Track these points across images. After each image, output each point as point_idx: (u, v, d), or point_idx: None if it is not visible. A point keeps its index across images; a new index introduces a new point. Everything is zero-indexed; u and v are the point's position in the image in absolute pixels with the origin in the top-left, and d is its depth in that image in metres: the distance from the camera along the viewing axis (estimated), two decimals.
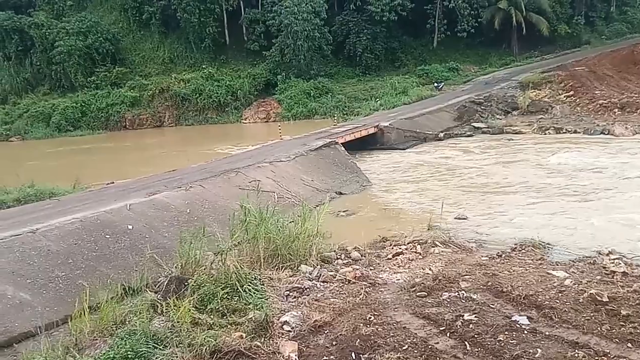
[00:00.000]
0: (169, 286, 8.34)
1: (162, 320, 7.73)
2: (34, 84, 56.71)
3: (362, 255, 10.71)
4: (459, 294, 8.18)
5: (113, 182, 18.34)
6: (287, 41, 49.07)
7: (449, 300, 8.02)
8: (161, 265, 9.31)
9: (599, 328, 6.85)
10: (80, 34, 53.57)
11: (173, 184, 15.56)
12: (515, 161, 21.40)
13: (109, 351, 6.91)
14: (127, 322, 7.83)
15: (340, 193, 18.28)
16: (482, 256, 10.36)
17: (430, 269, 9.51)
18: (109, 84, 52.55)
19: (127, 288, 9.37)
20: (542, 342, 6.61)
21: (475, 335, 6.83)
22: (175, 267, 8.89)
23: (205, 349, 6.81)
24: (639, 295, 7.72)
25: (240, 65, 53.70)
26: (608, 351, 6.30)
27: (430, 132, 28.38)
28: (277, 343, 7.05)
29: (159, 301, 8.14)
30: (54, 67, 54.04)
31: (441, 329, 7.12)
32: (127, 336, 7.12)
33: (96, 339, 7.72)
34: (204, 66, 52.85)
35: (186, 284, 8.28)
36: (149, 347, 6.88)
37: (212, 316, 7.65)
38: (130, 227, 12.05)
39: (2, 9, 57.52)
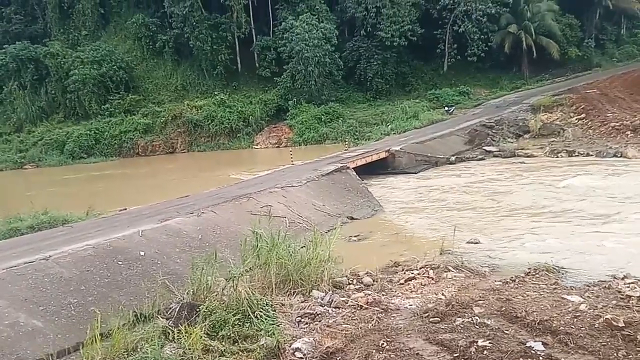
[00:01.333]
0: (180, 312, 8.32)
1: (174, 347, 7.70)
2: (48, 112, 57.52)
3: (374, 281, 10.65)
4: (472, 320, 8.09)
5: (126, 209, 18.44)
6: (298, 67, 49.52)
7: (462, 325, 7.93)
8: (173, 292, 9.31)
9: (615, 354, 6.74)
10: (95, 63, 54.44)
11: (185, 210, 15.61)
12: (527, 184, 21.28)
13: None
14: (138, 349, 7.80)
15: (352, 218, 18.24)
16: (495, 281, 10.26)
17: (443, 294, 9.42)
18: (122, 112, 53.20)
19: (138, 314, 9.35)
20: None
21: None
22: (187, 293, 8.89)
23: None
24: None
25: (252, 92, 54.17)
26: None
27: (442, 156, 28.35)
28: None
29: (171, 328, 8.11)
30: (69, 95, 54.85)
31: (455, 355, 7.04)
32: None
33: None
34: (216, 93, 53.38)
35: (198, 310, 8.26)
36: None
37: (223, 343, 7.62)
38: (142, 253, 12.08)
39: (18, 38, 58.72)
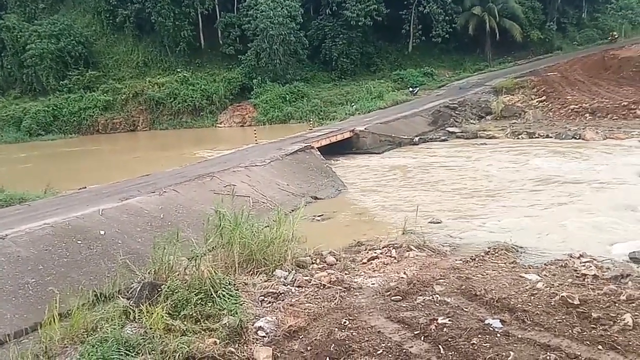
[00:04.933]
0: (141, 292, 8.24)
1: (135, 327, 7.64)
2: (4, 88, 55.79)
3: (337, 260, 10.72)
4: (433, 298, 8.23)
5: (85, 187, 18.11)
6: (262, 45, 48.99)
7: (423, 304, 8.06)
8: (134, 271, 9.21)
9: (570, 331, 6.95)
10: (53, 37, 52.83)
11: (147, 189, 15.43)
12: (489, 165, 21.62)
13: (79, 359, 6.81)
14: (98, 329, 7.72)
15: (316, 197, 18.29)
16: (456, 260, 10.44)
17: (405, 273, 9.54)
18: (81, 88, 51.85)
19: (99, 294, 9.24)
20: (515, 345, 6.68)
21: (449, 339, 6.87)
22: (149, 272, 8.80)
23: (179, 355, 6.75)
24: (609, 298, 7.84)
25: (216, 69, 53.43)
26: (579, 354, 6.39)
27: (406, 137, 28.54)
28: (251, 349, 7.02)
29: (132, 307, 8.04)
30: (26, 70, 53.20)
31: (415, 332, 7.15)
32: (98, 343, 7.02)
33: (67, 347, 7.60)
34: (178, 70, 52.49)
35: (159, 290, 8.19)
36: (121, 355, 6.79)
37: (185, 322, 7.59)
38: (102, 232, 11.92)
39: None
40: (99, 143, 44.12)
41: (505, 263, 10.09)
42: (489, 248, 11.16)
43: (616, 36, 54.48)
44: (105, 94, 50.90)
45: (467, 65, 53.38)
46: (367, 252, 11.25)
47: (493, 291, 8.29)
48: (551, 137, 26.41)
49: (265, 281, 9.40)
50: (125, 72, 55.05)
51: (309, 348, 6.99)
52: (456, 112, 32.79)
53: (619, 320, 7.07)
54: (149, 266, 9.06)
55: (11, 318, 8.81)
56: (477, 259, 10.39)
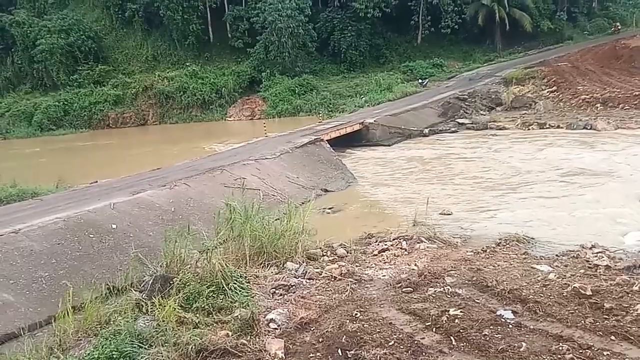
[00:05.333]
0: (154, 285, 8.29)
1: (147, 320, 7.69)
2: (15, 83, 55.97)
3: (347, 252, 10.73)
4: (444, 289, 8.22)
5: (97, 181, 18.19)
6: (271, 38, 48.90)
7: (434, 295, 8.05)
8: (146, 264, 9.26)
9: (582, 321, 6.92)
10: (62, 32, 52.96)
11: (157, 183, 15.49)
12: (499, 157, 21.52)
13: (93, 351, 6.86)
14: (111, 322, 7.79)
15: (326, 190, 18.29)
16: (467, 251, 10.42)
17: (415, 265, 9.54)
18: (91, 83, 51.97)
19: (111, 288, 9.32)
20: (527, 335, 6.66)
21: (461, 330, 6.87)
22: (160, 266, 8.85)
23: (191, 347, 6.78)
24: (621, 289, 7.80)
25: (225, 63, 53.42)
26: (592, 344, 6.36)
27: (415, 128, 28.45)
28: (263, 341, 7.05)
29: (144, 300, 8.10)
30: (36, 65, 53.36)
31: (427, 324, 7.16)
32: (111, 336, 7.08)
33: (80, 339, 7.67)
34: (187, 64, 52.48)
35: (171, 282, 8.24)
36: (134, 347, 6.84)
37: (197, 315, 7.64)
38: (114, 226, 11.98)
39: None
40: (109, 137, 44.28)
41: (516, 254, 10.06)
42: (500, 239, 11.13)
43: (619, 27, 53.91)
44: (115, 89, 51.00)
45: (476, 56, 53.04)
46: (378, 244, 11.25)
47: (504, 282, 8.27)
48: (562, 128, 26.24)
49: (277, 274, 9.43)
50: (134, 66, 55.12)
51: (320, 340, 7.01)
52: (466, 103, 32.63)
53: (631, 311, 7.04)
54: (160, 259, 9.11)
55: (25, 311, 8.89)
56: (488, 251, 10.37)
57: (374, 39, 53.62)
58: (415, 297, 8.09)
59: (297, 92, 47.29)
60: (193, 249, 9.31)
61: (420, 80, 44.81)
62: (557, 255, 10.02)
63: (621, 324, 6.76)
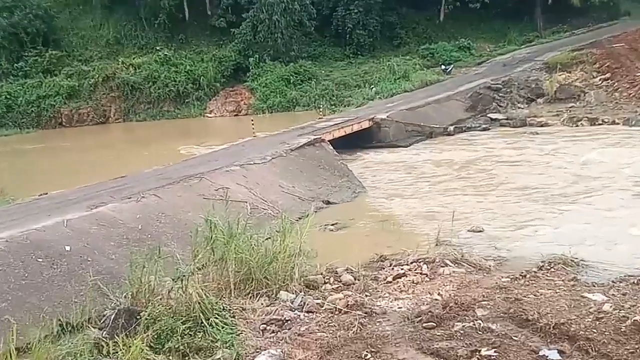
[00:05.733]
0: (116, 321, 8.27)
1: None
2: None
3: (355, 279, 10.71)
4: (474, 324, 8.20)
5: (46, 193, 18.17)
6: (260, 16, 49.05)
7: (462, 331, 8.03)
8: (107, 295, 9.24)
9: None
10: (4, 10, 53.14)
11: (121, 194, 15.48)
12: (541, 160, 21.52)
13: None
14: None
15: (329, 202, 18.28)
16: (502, 277, 10.40)
17: (439, 294, 9.53)
18: (40, 72, 52.02)
19: (64, 324, 9.29)
20: None
21: None
22: (125, 296, 8.83)
23: None
24: None
25: (204, 47, 53.56)
26: None
27: (438, 126, 28.48)
28: None
29: (105, 340, 8.07)
30: None
31: None
32: None
33: None
34: (158, 48, 52.64)
35: (138, 317, 8.22)
36: None
37: (170, 357, 7.62)
38: (68, 248, 11.95)
39: None
40: (62, 138, 44.28)
41: (563, 280, 10.04)
42: (542, 262, 11.10)
43: None
44: (69, 79, 51.05)
45: (512, 37, 53.13)
46: (392, 269, 11.23)
47: (549, 315, 8.25)
48: (618, 124, 26.24)
49: (268, 306, 9.41)
50: (93, 51, 55.24)
51: None
52: (500, 94, 32.68)
53: None
54: (125, 288, 9.09)
55: None
56: (528, 276, 10.34)
57: (387, 16, 53.76)
58: (438, 334, 8.07)
59: (292, 81, 47.39)
60: (165, 276, 9.29)
61: (443, 67, 44.90)
62: (613, 281, 9.99)
63: None
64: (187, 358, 7.68)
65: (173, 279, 9.22)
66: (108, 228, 13.21)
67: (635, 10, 56.08)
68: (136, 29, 55.40)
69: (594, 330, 7.75)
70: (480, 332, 7.97)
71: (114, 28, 55.90)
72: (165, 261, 9.48)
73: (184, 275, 9.04)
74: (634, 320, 7.76)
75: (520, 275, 10.42)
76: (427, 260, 11.38)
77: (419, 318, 8.58)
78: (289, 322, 8.85)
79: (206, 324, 8.14)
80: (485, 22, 55.07)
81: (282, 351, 7.86)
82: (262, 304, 9.44)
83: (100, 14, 56.34)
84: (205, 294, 8.59)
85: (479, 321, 8.30)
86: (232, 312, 8.77)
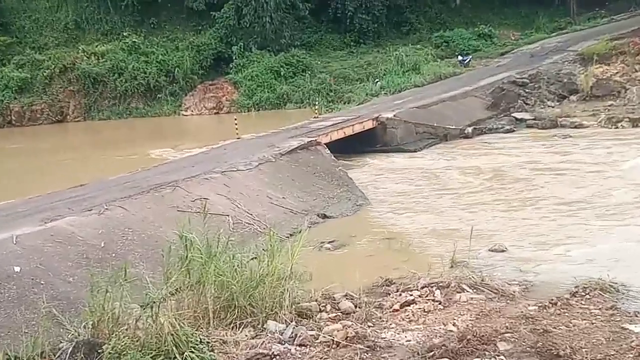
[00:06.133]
0: (74, 355, 8.25)
1: None
2: None
3: (356, 306, 10.70)
4: None
5: None
6: None
7: None
8: (63, 325, 9.22)
9: None
10: None
11: (81, 206, 15.45)
12: (574, 168, 21.55)
13: None
14: None
15: (325, 216, 18.28)
16: (528, 305, 10.40)
17: (454, 325, 9.52)
18: None
19: (12, 358, 9.25)
20: None
21: None
22: (84, 326, 8.81)
23: None
24: None
25: (179, 33, 53.64)
26: None
27: (453, 127, 28.52)
28: None
29: None
30: None
31: None
32: None
33: None
34: (125, 34, 52.65)
35: (100, 351, 8.20)
36: None
37: None
38: (17, 269, 11.92)
39: None
40: (11, 139, 44.23)
41: (600, 309, 10.04)
42: (576, 287, 11.09)
43: None
44: (20, 69, 51.03)
45: (540, 23, 53.34)
46: (400, 295, 11.22)
47: (583, 350, 8.25)
48: None
49: (253, 338, 9.39)
50: (48, 37, 55.25)
51: None
52: (526, 90, 32.76)
53: None
54: (84, 317, 9.06)
55: None
56: (559, 304, 10.34)
57: None
58: None
59: (282, 74, 47.49)
60: (132, 302, 9.27)
61: (460, 57, 45.05)
62: None
63: None
64: None
65: (141, 306, 9.19)
66: (65, 245, 13.17)
67: None
68: (99, 12, 55.40)
69: None
70: None
71: (73, 10, 55.89)
72: (132, 285, 9.45)
73: (154, 302, 9.01)
74: None
75: (550, 302, 10.41)
76: (440, 284, 11.36)
77: (431, 353, 8.58)
78: (277, 357, 8.83)
79: (180, 359, 8.13)
80: (510, 5, 55.31)
81: None
82: (246, 335, 9.42)
83: None
84: (179, 324, 8.56)
85: (502, 357, 8.30)
86: (210, 345, 8.74)
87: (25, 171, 30.77)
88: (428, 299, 10.81)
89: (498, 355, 8.34)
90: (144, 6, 54.40)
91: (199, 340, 8.59)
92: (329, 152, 22.41)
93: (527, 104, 31.71)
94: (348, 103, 38.65)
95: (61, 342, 8.74)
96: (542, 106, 31.52)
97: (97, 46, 51.80)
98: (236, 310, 9.83)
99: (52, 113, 50.13)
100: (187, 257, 10.00)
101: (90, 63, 50.21)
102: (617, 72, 33.57)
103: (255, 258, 10.88)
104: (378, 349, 9.01)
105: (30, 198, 17.94)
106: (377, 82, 42.29)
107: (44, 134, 45.90)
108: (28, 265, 12.12)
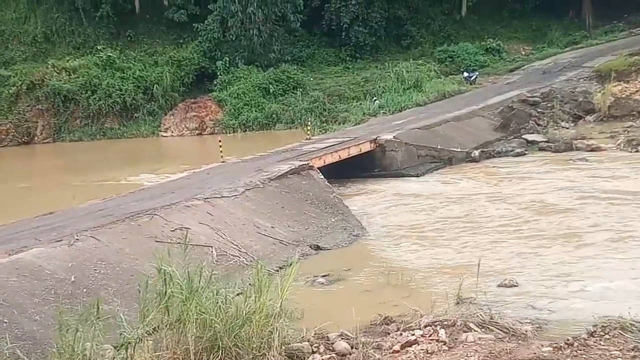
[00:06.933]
0: None
1: None
2: None
3: (352, 347, 10.66)
4: None
5: None
6: (231, 7, 49.36)
7: None
8: None
9: None
10: None
11: (49, 236, 15.40)
12: (591, 195, 21.58)
13: None
14: None
15: (318, 247, 18.25)
16: (542, 345, 10.37)
17: None
18: None
19: None
20: None
21: None
22: None
23: None
24: None
25: (158, 46, 53.83)
26: None
27: (459, 149, 28.56)
28: None
29: None
30: None
31: None
32: None
33: None
34: (99, 47, 52.78)
35: None
36: None
37: None
38: None
39: None
40: None
41: (621, 350, 10.02)
42: (594, 326, 11.07)
43: None
44: None
45: (553, 37, 53.66)
46: (400, 334, 11.20)
47: None
48: None
49: None
50: (15, 51, 55.40)
51: None
52: (538, 110, 32.89)
53: None
54: (51, 359, 9.00)
55: None
56: (576, 344, 10.32)
57: (393, 9, 54.32)
58: None
59: (271, 91, 47.63)
60: (104, 343, 9.22)
61: (466, 74, 45.27)
62: None
63: None
64: None
65: (115, 347, 9.15)
66: (31, 280, 13.11)
67: None
68: (71, 24, 55.62)
69: None
70: None
71: (42, 22, 56.08)
72: (105, 323, 9.41)
73: (129, 342, 8.97)
74: None
75: (566, 343, 10.39)
76: (445, 323, 11.34)
77: None
78: None
79: None
80: (520, 18, 55.66)
81: None
82: None
83: (25, 3, 56.50)
84: None
85: None
86: None
87: None
88: (431, 339, 10.78)
89: None
90: (120, 17, 54.61)
91: None
92: (322, 177, 22.41)
93: (539, 124, 31.76)
94: (343, 123, 38.76)
95: None
96: (556, 127, 31.56)
97: (68, 61, 51.91)
98: (220, 352, 9.79)
99: (18, 134, 50.14)
100: (166, 292, 9.97)
101: (61, 79, 50.27)
102: (637, 91, 33.70)
103: (242, 294, 10.84)
104: None
105: None
106: (375, 100, 42.42)
107: (9, 156, 45.86)
108: None
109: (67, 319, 9.19)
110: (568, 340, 10.51)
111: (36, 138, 50.07)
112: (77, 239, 14.99)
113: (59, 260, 14.02)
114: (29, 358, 9.36)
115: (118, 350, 9.04)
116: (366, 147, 27.33)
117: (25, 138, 50.02)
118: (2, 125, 50.00)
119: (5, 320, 11.71)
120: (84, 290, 13.16)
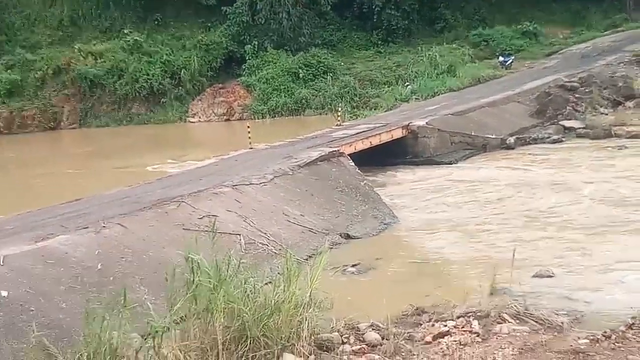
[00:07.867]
0: None
1: None
2: None
3: (383, 338, 10.66)
4: None
5: None
6: None
7: None
8: (55, 356, 9.23)
9: None
10: None
11: (76, 223, 15.48)
12: (630, 184, 21.41)
13: None
14: None
15: (348, 236, 18.23)
16: (578, 338, 10.31)
17: None
18: None
19: None
20: None
21: None
22: (79, 358, 8.83)
23: None
24: None
25: (185, 30, 53.84)
26: None
27: (494, 136, 28.42)
28: None
29: None
30: None
31: None
32: None
33: None
34: (126, 31, 52.86)
35: None
36: None
37: None
38: (4, 293, 11.97)
39: None
40: None
41: None
42: (633, 318, 11.00)
43: None
44: (9, 70, 51.40)
45: (593, 20, 53.17)
46: (433, 325, 11.17)
47: None
48: None
49: None
50: (41, 35, 55.62)
51: None
52: (576, 95, 32.55)
53: None
54: (79, 348, 9.07)
55: None
56: (613, 337, 10.24)
57: None
58: None
59: (301, 76, 47.53)
60: (132, 332, 9.27)
61: (501, 58, 44.98)
62: None
63: None
64: None
65: (142, 336, 9.19)
66: (58, 268, 13.20)
67: None
68: (98, 7, 55.73)
69: None
70: None
71: (68, 5, 56.23)
72: (132, 312, 9.46)
73: (156, 331, 9.02)
74: None
75: (604, 336, 10.32)
76: (478, 314, 11.31)
77: None
78: None
79: None
80: (558, 0, 55.06)
81: None
82: None
83: None
84: (184, 356, 8.57)
85: None
86: None
87: (13, 184, 30.97)
88: (464, 331, 10.75)
89: None
90: (147, 1, 54.64)
91: None
92: (352, 164, 22.37)
93: (577, 110, 31.47)
94: (374, 109, 38.63)
95: None
96: (594, 113, 31.25)
97: (94, 45, 52.04)
98: (248, 342, 9.80)
99: (44, 119, 50.33)
100: (193, 281, 9.99)
101: (87, 64, 50.39)
102: None
103: (270, 283, 10.85)
104: None
105: (18, 214, 18.04)
106: (408, 85, 42.29)
107: (34, 142, 46.16)
108: (16, 290, 12.16)
109: (93, 307, 9.25)
110: (606, 332, 10.43)
111: (62, 124, 50.22)
112: (103, 227, 15.06)
113: (86, 247, 14.10)
114: (56, 346, 9.42)
115: (145, 339, 9.08)
116: (398, 134, 27.22)
117: (51, 123, 50.19)
118: (28, 110, 50.19)
119: (32, 309, 11.80)
120: (111, 278, 13.22)
